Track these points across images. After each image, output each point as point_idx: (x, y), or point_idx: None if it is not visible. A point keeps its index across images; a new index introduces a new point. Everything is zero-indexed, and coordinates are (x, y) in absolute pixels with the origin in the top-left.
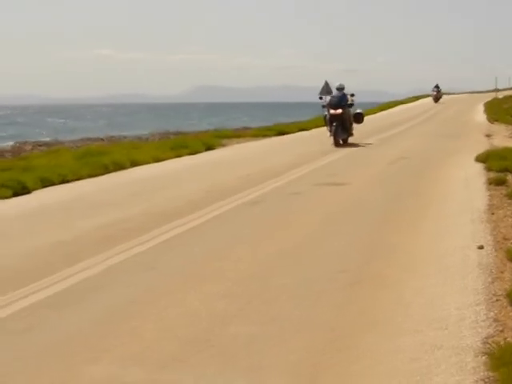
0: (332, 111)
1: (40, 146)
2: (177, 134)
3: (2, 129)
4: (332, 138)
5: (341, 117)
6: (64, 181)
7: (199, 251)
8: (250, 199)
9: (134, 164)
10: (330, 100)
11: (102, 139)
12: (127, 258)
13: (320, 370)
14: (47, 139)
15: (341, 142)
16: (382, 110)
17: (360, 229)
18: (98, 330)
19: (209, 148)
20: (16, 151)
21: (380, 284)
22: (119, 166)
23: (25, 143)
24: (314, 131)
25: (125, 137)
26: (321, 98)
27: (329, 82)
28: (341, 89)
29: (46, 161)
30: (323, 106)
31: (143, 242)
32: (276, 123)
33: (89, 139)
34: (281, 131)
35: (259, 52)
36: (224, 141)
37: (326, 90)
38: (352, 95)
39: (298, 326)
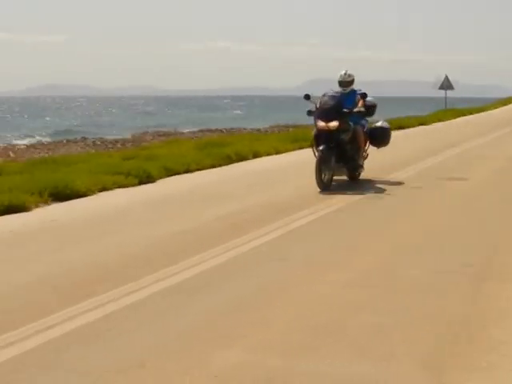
0: (320, 124)
1: (160, 135)
2: (295, 126)
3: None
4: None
5: (335, 134)
6: (187, 170)
7: (325, 242)
8: (371, 195)
9: (256, 155)
10: (321, 102)
11: (221, 130)
12: (251, 248)
13: (449, 360)
14: (166, 129)
15: (330, 182)
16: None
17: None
18: (228, 318)
19: None
20: (136, 141)
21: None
22: (241, 157)
23: (145, 133)
24: (438, 125)
25: (244, 128)
26: (307, 98)
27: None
28: (346, 82)
29: (167, 150)
30: (309, 113)
31: (267, 232)
32: (393, 118)
33: (208, 130)
34: (400, 125)
35: (376, 45)
36: None
37: (446, 84)
38: (363, 96)
39: (427, 316)
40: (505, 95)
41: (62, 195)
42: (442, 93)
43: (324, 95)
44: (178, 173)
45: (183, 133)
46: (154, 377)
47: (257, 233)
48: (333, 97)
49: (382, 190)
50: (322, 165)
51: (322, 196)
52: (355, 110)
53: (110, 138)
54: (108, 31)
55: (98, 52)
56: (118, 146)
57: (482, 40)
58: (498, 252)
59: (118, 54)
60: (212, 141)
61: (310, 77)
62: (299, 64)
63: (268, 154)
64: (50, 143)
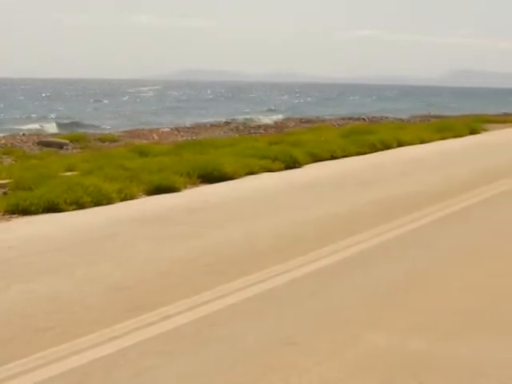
0: None
1: (302, 122)
2: (436, 117)
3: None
4: None
5: None
6: (333, 157)
7: (468, 231)
8: None
9: (400, 144)
10: None
11: (363, 119)
12: (403, 232)
13: None
14: (308, 116)
15: None
16: None
17: None
18: (378, 300)
19: (472, 132)
20: (279, 127)
21: None
22: (386, 146)
23: (288, 119)
24: None
25: (386, 117)
26: None
27: None
28: None
29: (311, 137)
30: None
31: (417, 218)
32: None
33: (350, 118)
34: None
35: None
36: (486, 125)
37: None
38: None
39: None
40: None
41: (210, 177)
42: None
43: None
44: (324, 159)
45: (325, 120)
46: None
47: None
48: None
49: None
50: None
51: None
52: None
53: (252, 123)
54: (250, 17)
55: (246, 39)
56: (261, 131)
57: None
58: None
59: (266, 41)
60: (356, 128)
61: (451, 67)
62: (442, 55)
63: (412, 144)
64: (192, 126)
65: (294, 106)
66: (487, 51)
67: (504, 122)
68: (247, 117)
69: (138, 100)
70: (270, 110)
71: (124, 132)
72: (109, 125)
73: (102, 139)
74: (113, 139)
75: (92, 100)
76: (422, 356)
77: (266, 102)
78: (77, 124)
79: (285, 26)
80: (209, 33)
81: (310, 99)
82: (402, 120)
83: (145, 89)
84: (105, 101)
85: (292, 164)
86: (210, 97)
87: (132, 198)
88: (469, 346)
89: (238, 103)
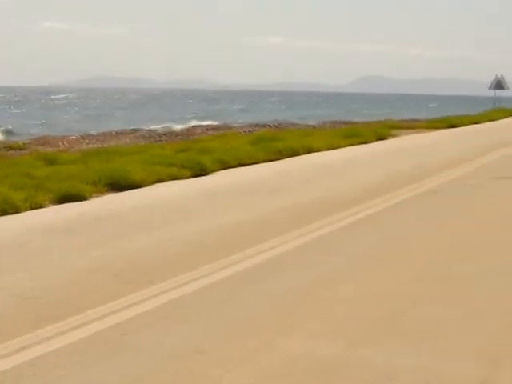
0: None
1: (209, 129)
2: (346, 123)
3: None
4: None
5: None
6: (240, 164)
7: (378, 237)
8: (426, 189)
9: (308, 150)
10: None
11: (269, 125)
12: (311, 239)
13: (503, 356)
14: (215, 123)
15: None
16: None
17: None
18: (289, 306)
19: (380, 138)
20: (186, 134)
21: None
22: (293, 152)
23: (194, 127)
24: (488, 125)
25: (294, 124)
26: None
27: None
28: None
29: (219, 144)
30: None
31: (322, 226)
32: (445, 116)
33: (257, 125)
34: (452, 124)
35: (432, 43)
36: (394, 131)
37: (498, 84)
38: None
39: (481, 311)
40: None
41: (117, 185)
42: (497, 92)
43: None
44: (232, 166)
45: (232, 127)
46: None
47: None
48: None
49: None
50: None
51: (388, 185)
52: None
53: (159, 130)
54: (168, 25)
55: (157, 45)
56: (167, 138)
57: None
58: None
59: (176, 48)
60: (264, 135)
61: (360, 74)
62: (351, 61)
63: (319, 150)
64: (99, 134)
65: (204, 113)
66: (397, 58)
67: (412, 127)
68: (158, 126)
69: (53, 107)
70: (182, 118)
71: (31, 139)
72: (38, 132)
73: (9, 147)
74: (19, 147)
75: (10, 107)
76: (334, 362)
77: (176, 110)
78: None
79: (196, 33)
80: (120, 40)
81: (218, 106)
82: (311, 126)
83: (58, 96)
84: (23, 109)
85: (199, 171)
86: (122, 105)
87: (39, 206)
88: (381, 352)
89: (151, 110)
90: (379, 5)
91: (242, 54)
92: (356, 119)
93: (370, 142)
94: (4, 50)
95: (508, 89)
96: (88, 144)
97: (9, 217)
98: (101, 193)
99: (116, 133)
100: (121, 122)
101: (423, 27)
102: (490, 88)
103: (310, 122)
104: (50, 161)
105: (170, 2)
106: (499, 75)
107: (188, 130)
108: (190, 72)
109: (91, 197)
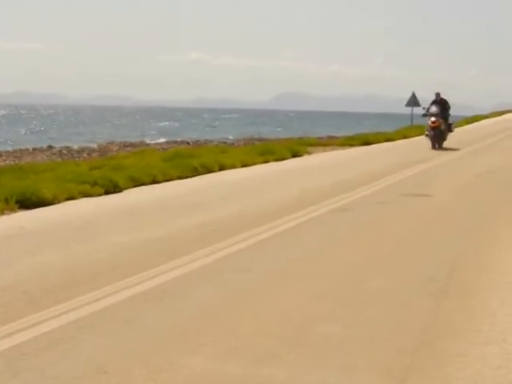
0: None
1: (126, 146)
2: (261, 140)
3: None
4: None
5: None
6: (154, 181)
7: (291, 253)
8: (338, 206)
9: (222, 168)
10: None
11: (187, 142)
12: (219, 258)
13: (411, 371)
14: (132, 140)
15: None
16: (467, 123)
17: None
18: (193, 326)
19: (295, 155)
20: (103, 150)
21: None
22: (208, 169)
23: (111, 143)
24: (401, 142)
25: (210, 141)
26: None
27: (416, 93)
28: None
29: (134, 161)
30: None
31: (234, 243)
32: (359, 133)
33: (174, 142)
34: (366, 141)
35: (351, 60)
36: (309, 148)
37: (413, 101)
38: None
39: (388, 328)
40: (472, 114)
41: (28, 203)
42: (416, 109)
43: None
44: (145, 183)
45: (149, 144)
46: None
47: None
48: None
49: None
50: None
51: (303, 203)
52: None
53: (76, 147)
54: (84, 40)
55: (73, 61)
56: (84, 155)
57: (455, 58)
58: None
59: (94, 64)
60: (179, 152)
61: (280, 90)
62: (270, 78)
63: (234, 167)
64: (15, 151)
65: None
66: (315, 74)
67: (328, 144)
68: (74, 146)
69: None
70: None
71: None
72: None
73: None
74: None
75: None
76: (238, 380)
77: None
78: None
79: (110, 48)
80: (35, 55)
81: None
82: (226, 143)
83: None
84: None
85: (112, 189)
86: (34, 121)
87: None
88: (284, 369)
89: (70, 128)
90: (292, 20)
91: (159, 71)
92: (269, 136)
93: (284, 160)
94: None
95: (420, 106)
96: (5, 160)
97: None
98: (12, 210)
99: (33, 149)
100: (36, 138)
101: (339, 44)
102: (406, 105)
103: (226, 139)
104: None
105: (85, 19)
106: (412, 93)
107: (105, 146)
108: (111, 89)
109: (3, 214)
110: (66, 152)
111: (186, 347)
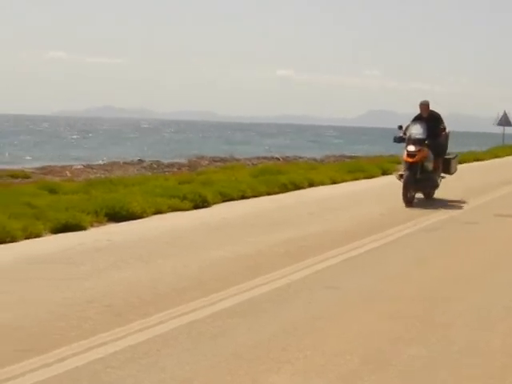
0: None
1: (216, 161)
2: (351, 157)
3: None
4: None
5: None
6: (243, 196)
7: (377, 272)
8: (427, 225)
9: (312, 184)
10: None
11: (277, 158)
12: (306, 274)
13: None
14: (222, 155)
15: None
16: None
17: None
18: (279, 342)
19: (384, 172)
20: (192, 165)
21: None
22: (296, 186)
23: (201, 158)
24: (495, 161)
25: (300, 157)
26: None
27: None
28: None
29: (223, 176)
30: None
31: (321, 260)
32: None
33: (264, 157)
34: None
35: (432, 78)
36: (399, 166)
37: (505, 120)
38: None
39: (473, 351)
40: None
41: (117, 216)
42: (501, 129)
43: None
44: (234, 198)
45: (239, 159)
46: None
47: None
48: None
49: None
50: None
51: (387, 221)
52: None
53: (165, 161)
54: (165, 56)
55: (156, 76)
56: (174, 169)
57: None
58: None
59: (176, 80)
60: (268, 168)
61: (367, 108)
62: (353, 95)
63: (323, 184)
64: (106, 164)
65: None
66: (399, 92)
67: None
68: (163, 160)
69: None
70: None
71: (37, 169)
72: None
73: (15, 175)
74: (25, 176)
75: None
76: None
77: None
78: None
79: (201, 63)
80: (117, 70)
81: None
82: (315, 160)
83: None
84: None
85: (201, 203)
86: (132, 135)
87: (37, 236)
88: None
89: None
90: (374, 38)
91: (251, 87)
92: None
93: (375, 177)
94: (5, 78)
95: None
96: (96, 173)
97: (4, 246)
98: (101, 223)
99: (123, 163)
100: (127, 152)
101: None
102: (498, 124)
103: (316, 156)
104: (52, 190)
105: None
106: (504, 111)
107: (196, 161)
108: (195, 104)
109: (92, 226)
110: (155, 166)
111: (271, 364)
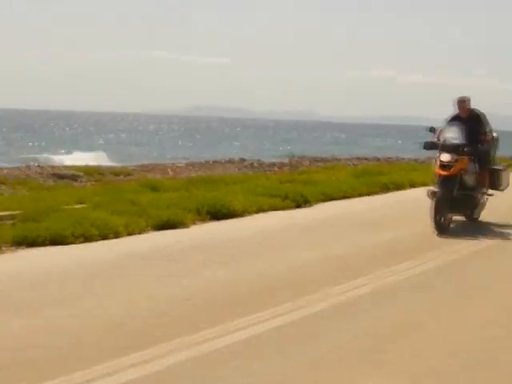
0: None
1: (317, 161)
2: None
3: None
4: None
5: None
6: (344, 196)
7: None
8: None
9: (413, 185)
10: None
11: (378, 159)
12: (405, 277)
13: None
14: (323, 155)
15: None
16: None
17: None
18: (376, 344)
19: None
20: (293, 165)
21: None
22: (398, 186)
23: (303, 158)
24: None
25: (402, 158)
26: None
27: None
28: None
29: (324, 176)
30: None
31: (419, 263)
32: None
33: (365, 158)
34: None
35: None
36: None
37: None
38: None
39: None
40: None
41: (218, 214)
42: None
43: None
44: (335, 198)
45: (340, 159)
46: None
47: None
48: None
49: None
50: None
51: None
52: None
53: (267, 161)
54: (267, 55)
55: (255, 75)
56: (275, 169)
57: None
58: None
59: (276, 79)
60: (369, 168)
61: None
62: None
63: (424, 185)
64: (207, 162)
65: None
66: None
67: None
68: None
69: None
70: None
71: (138, 166)
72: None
73: (117, 173)
74: (127, 173)
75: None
76: None
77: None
78: None
79: (298, 64)
80: (220, 69)
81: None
82: (416, 161)
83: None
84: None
85: (302, 203)
86: (234, 134)
87: (139, 232)
88: None
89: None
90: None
91: (345, 87)
92: None
93: None
94: (107, 78)
95: None
96: (197, 171)
97: (107, 242)
98: (202, 221)
99: (224, 161)
100: (228, 151)
101: None
102: None
103: (418, 157)
104: (154, 187)
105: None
106: None
107: (297, 161)
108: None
109: (194, 224)
110: (256, 165)
111: (368, 366)
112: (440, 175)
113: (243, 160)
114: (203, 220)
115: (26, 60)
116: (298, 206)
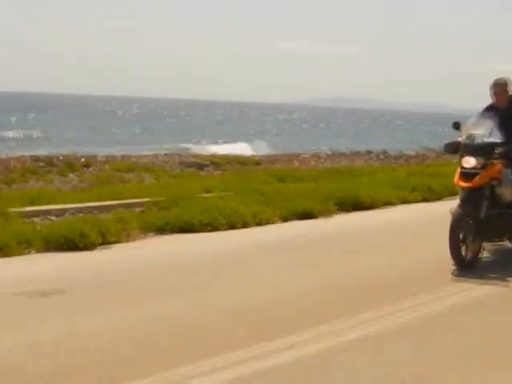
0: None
1: (444, 154)
2: None
3: None
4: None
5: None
6: None
7: None
8: None
9: None
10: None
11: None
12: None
13: None
14: None
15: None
16: None
17: None
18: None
19: None
20: (420, 157)
21: None
22: None
23: (430, 150)
24: None
25: None
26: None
27: None
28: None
29: (451, 169)
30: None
31: None
32: None
33: None
34: None
35: None
36: None
37: None
38: None
39: None
40: None
41: (346, 206)
42: None
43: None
44: None
45: None
46: None
47: None
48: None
49: None
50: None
51: None
52: None
53: (393, 153)
54: (395, 45)
55: (384, 65)
56: (402, 161)
57: None
58: None
59: (405, 68)
60: None
61: None
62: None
63: None
64: (333, 154)
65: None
66: None
67: None
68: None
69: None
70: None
71: (264, 157)
72: None
73: (243, 163)
74: (254, 163)
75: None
76: None
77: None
78: None
79: (414, 56)
80: (348, 59)
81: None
82: None
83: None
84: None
85: (430, 196)
86: (362, 125)
87: (267, 222)
88: None
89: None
90: None
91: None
92: None
93: None
94: (250, 69)
95: None
96: (323, 163)
97: (236, 231)
98: (330, 212)
99: (351, 153)
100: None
101: None
102: None
103: None
104: (281, 178)
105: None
106: None
107: (423, 154)
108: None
109: (321, 215)
110: (382, 157)
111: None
112: (462, 187)
113: (369, 152)
114: (330, 211)
115: None
116: (425, 200)
